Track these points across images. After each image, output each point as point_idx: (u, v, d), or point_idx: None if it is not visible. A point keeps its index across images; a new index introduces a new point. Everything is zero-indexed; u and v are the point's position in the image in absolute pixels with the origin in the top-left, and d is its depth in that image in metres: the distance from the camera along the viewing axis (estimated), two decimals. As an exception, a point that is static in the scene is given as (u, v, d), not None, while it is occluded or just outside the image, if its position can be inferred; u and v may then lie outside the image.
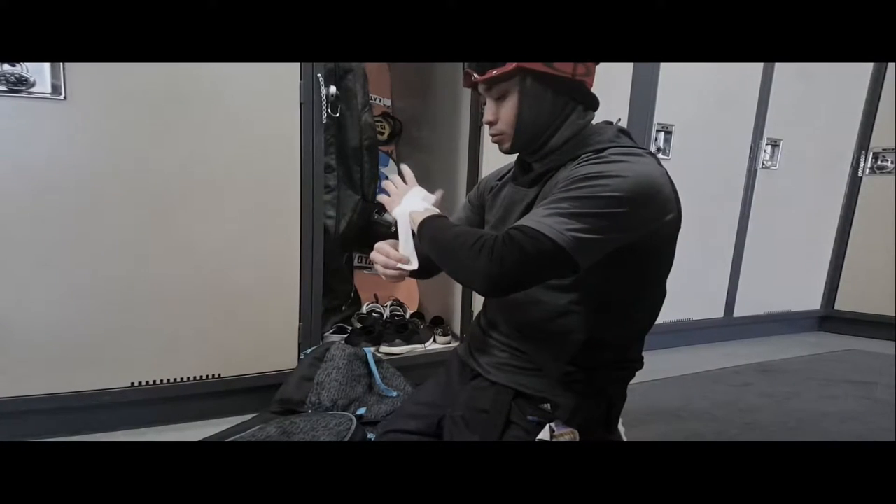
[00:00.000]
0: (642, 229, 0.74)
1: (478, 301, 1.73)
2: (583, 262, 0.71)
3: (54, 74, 1.11)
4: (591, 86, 0.83)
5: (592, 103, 0.83)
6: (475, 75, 0.80)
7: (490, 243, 0.70)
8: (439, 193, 0.93)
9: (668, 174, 0.77)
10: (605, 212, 0.69)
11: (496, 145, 0.86)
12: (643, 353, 0.90)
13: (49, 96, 1.11)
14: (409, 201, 0.89)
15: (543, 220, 0.70)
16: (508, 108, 0.80)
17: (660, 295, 0.86)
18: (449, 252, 0.76)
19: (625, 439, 0.99)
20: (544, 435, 0.78)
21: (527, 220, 0.72)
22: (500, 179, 0.98)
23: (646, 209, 0.72)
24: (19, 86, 1.09)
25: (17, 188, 1.12)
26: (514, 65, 0.76)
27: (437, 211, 0.87)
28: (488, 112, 0.84)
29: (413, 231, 0.87)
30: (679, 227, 0.79)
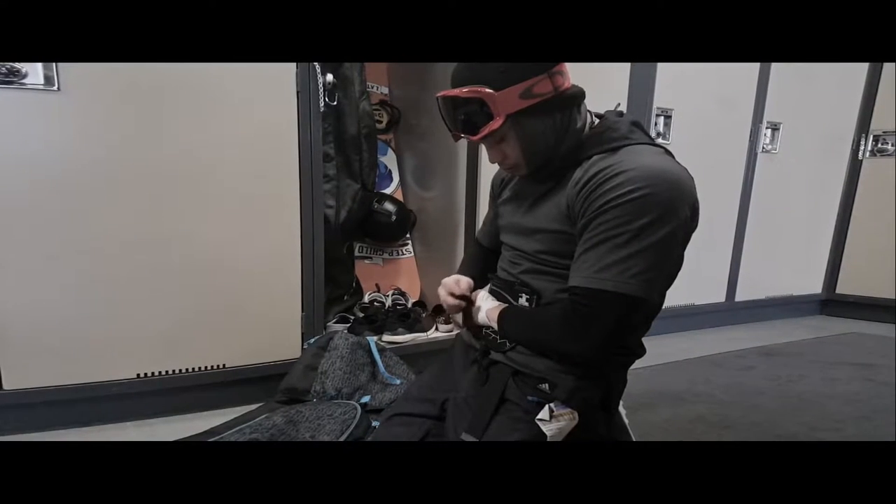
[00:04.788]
0: (685, 230, 0.75)
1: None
2: (655, 298, 0.74)
3: (46, 65, 1.09)
4: (570, 83, 0.80)
5: (579, 99, 0.81)
6: (469, 137, 0.79)
7: (570, 322, 0.75)
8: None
9: (687, 171, 0.76)
10: (654, 240, 0.70)
11: None
12: (647, 339, 0.90)
13: (42, 87, 1.10)
14: (484, 303, 0.91)
15: (604, 276, 0.71)
16: (512, 147, 0.80)
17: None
18: (538, 341, 0.82)
19: (626, 421, 1.00)
20: (544, 415, 0.79)
21: (589, 281, 0.73)
22: None
23: (683, 213, 0.73)
24: (10, 77, 1.08)
25: (13, 181, 1.12)
26: (501, 119, 0.74)
27: (499, 303, 0.89)
28: (493, 155, 0.83)
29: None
30: (698, 223, 0.79)
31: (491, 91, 0.73)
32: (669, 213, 0.70)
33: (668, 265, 0.75)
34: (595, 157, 0.77)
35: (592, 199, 0.73)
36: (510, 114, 0.75)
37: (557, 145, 0.80)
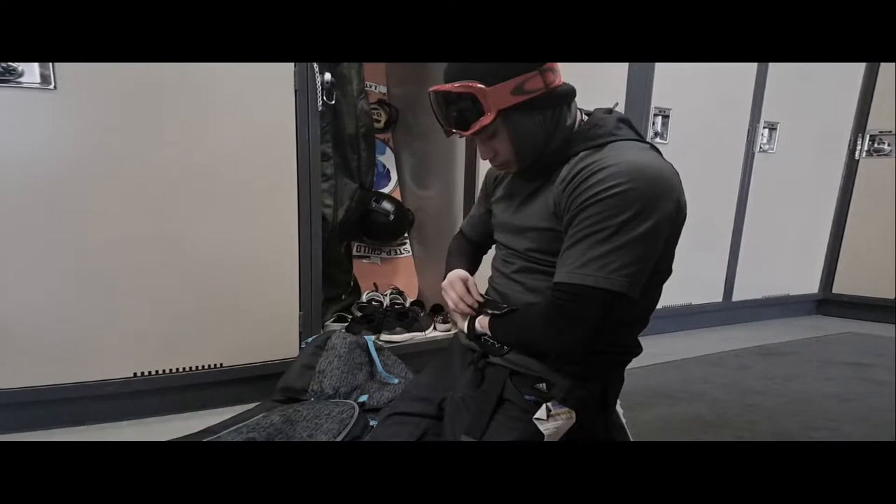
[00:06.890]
0: (671, 226, 0.74)
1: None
2: (636, 293, 0.73)
3: (43, 64, 1.09)
4: (561, 80, 0.80)
5: (570, 97, 0.81)
6: (461, 133, 0.79)
7: (552, 319, 0.76)
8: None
9: (672, 166, 0.77)
10: (636, 235, 0.70)
11: None
12: (644, 338, 0.90)
13: (38, 86, 1.10)
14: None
15: (585, 271, 0.72)
16: (502, 143, 0.80)
17: (654, 284, 0.84)
18: (526, 341, 0.83)
19: (623, 420, 1.00)
20: (541, 413, 0.79)
21: (570, 277, 0.73)
22: None
23: (666, 207, 0.72)
24: (6, 76, 1.07)
25: (9, 180, 1.11)
26: (492, 114, 0.75)
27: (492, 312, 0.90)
28: (484, 152, 0.84)
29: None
30: (685, 218, 0.79)
31: (482, 86, 0.73)
32: (651, 207, 0.70)
33: (652, 260, 0.74)
34: (581, 154, 0.77)
35: (576, 195, 0.74)
36: (501, 109, 0.75)
37: (547, 142, 0.80)
